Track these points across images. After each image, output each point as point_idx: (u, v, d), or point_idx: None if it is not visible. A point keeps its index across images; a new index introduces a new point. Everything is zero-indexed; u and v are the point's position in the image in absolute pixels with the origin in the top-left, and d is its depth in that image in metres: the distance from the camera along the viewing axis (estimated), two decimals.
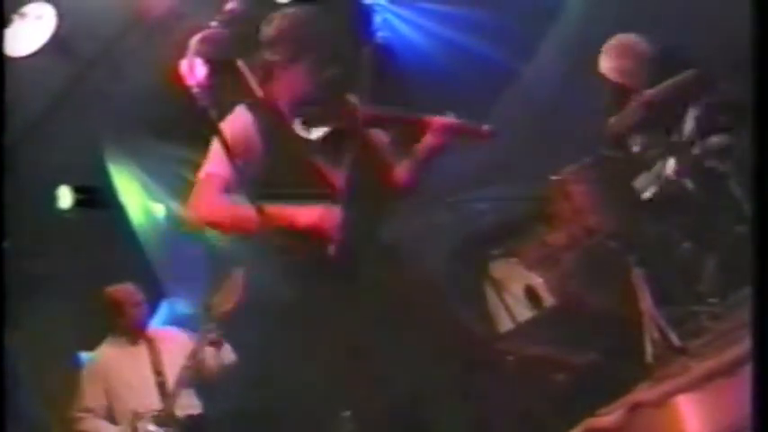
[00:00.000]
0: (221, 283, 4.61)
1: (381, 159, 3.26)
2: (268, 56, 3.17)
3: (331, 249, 2.92)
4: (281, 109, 3.18)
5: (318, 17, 3.23)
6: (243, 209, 2.94)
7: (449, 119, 3.23)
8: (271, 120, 3.14)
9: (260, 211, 2.87)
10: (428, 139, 3.22)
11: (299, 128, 3.16)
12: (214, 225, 3.22)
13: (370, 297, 3.02)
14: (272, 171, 3.07)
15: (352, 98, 3.18)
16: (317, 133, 3.17)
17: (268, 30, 3.20)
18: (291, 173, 3.09)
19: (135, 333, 5.14)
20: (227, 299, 4.53)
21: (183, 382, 4.75)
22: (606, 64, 4.84)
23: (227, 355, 5.02)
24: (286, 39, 3.16)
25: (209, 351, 4.78)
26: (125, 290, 5.19)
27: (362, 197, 3.04)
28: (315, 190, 3.05)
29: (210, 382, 5.02)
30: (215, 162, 3.08)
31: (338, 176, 3.05)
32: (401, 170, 3.27)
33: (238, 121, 3.13)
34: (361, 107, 3.12)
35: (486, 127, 3.26)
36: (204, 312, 4.73)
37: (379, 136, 3.30)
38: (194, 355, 4.70)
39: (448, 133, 3.22)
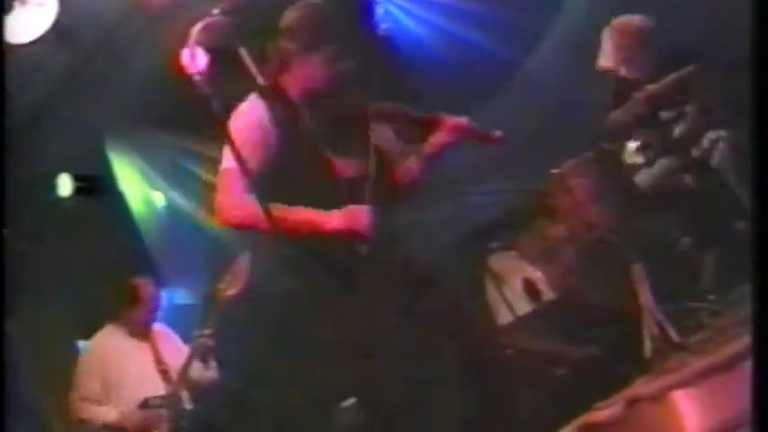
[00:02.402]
0: (226, 268, 4.60)
1: (387, 155, 3.26)
2: (284, 44, 3.15)
3: (363, 249, 2.91)
4: (291, 99, 3.16)
5: (337, 10, 3.21)
6: (269, 212, 2.87)
7: (462, 120, 3.23)
8: (283, 109, 3.12)
9: (286, 215, 2.90)
10: (438, 137, 3.23)
11: (307, 118, 3.15)
12: (241, 227, 3.13)
13: (371, 290, 3.01)
14: (285, 161, 3.06)
15: (363, 92, 3.17)
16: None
17: (287, 18, 3.18)
18: (302, 163, 3.08)
19: (139, 330, 5.14)
20: (232, 284, 4.52)
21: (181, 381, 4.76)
22: (605, 48, 4.83)
23: (212, 372, 5.00)
24: (304, 29, 3.14)
25: (196, 365, 4.77)
26: (150, 290, 5.18)
27: (375, 191, 3.04)
28: (325, 180, 3.04)
29: (196, 394, 5.00)
30: (233, 157, 3.06)
31: (348, 168, 3.06)
32: (407, 167, 3.27)
33: (253, 112, 3.10)
34: (371, 102, 3.12)
35: (497, 133, 3.25)
36: (207, 300, 4.73)
37: (385, 131, 3.30)
38: (185, 368, 4.70)
39: (459, 134, 3.22)
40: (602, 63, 4.87)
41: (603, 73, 4.87)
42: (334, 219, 2.95)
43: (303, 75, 3.15)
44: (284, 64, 3.15)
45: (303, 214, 2.97)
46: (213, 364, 4.95)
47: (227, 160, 3.06)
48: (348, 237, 2.93)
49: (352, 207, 2.96)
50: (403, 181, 3.27)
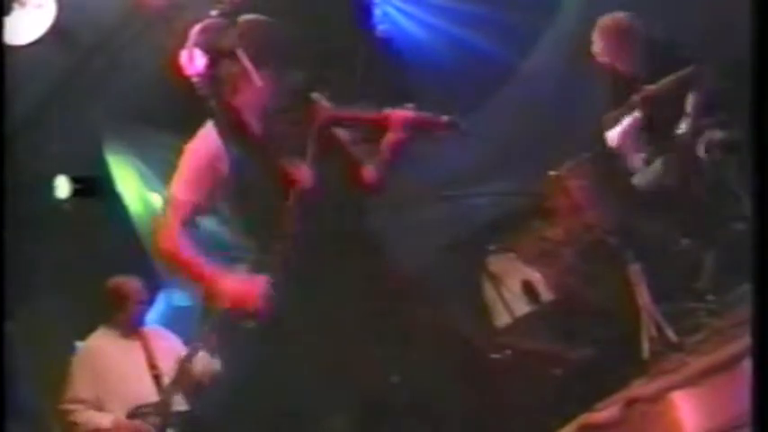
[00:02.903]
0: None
1: (348, 158, 3.25)
2: (228, 67, 3.13)
3: (250, 324, 2.91)
4: (245, 119, 3.15)
5: (275, 23, 3.20)
6: (193, 262, 3.10)
7: (406, 112, 3.16)
8: (237, 133, 3.13)
9: (192, 265, 3.09)
10: (390, 136, 3.18)
11: (262, 135, 3.16)
12: (168, 264, 3.25)
13: (357, 290, 3.02)
14: (245, 182, 3.08)
15: (316, 96, 3.17)
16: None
17: (226, 41, 3.17)
18: (263, 180, 3.09)
19: (130, 329, 5.11)
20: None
21: (177, 380, 4.72)
22: (598, 44, 4.82)
23: (215, 364, 4.95)
24: (244, 49, 3.13)
25: (200, 356, 4.73)
26: (132, 285, 5.14)
27: (330, 193, 3.03)
28: (283, 191, 3.05)
29: (196, 389, 4.95)
30: (184, 187, 3.13)
31: (303, 174, 3.06)
32: (369, 169, 3.26)
33: (205, 142, 3.14)
34: (321, 107, 3.12)
35: (445, 118, 3.19)
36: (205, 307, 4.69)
37: (345, 135, 3.29)
38: (188, 358, 4.66)
39: (408, 127, 3.16)
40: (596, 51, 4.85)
41: (601, 69, 4.86)
42: (228, 282, 2.99)
43: (251, 93, 3.13)
44: (233, 85, 3.14)
45: (205, 269, 3.08)
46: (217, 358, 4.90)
47: (176, 189, 3.17)
48: (236, 308, 2.93)
49: (247, 279, 2.95)
50: (366, 183, 3.25)
